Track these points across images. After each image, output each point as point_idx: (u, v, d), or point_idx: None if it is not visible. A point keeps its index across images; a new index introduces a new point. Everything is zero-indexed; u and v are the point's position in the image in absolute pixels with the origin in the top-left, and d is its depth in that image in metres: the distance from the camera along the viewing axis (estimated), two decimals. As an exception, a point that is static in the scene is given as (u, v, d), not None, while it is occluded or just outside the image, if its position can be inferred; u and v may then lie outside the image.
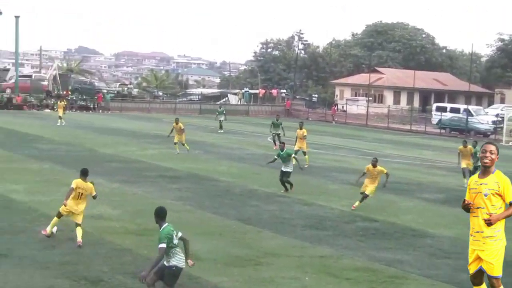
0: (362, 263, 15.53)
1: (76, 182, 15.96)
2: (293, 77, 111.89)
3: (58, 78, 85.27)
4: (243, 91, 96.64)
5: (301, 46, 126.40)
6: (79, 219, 15.94)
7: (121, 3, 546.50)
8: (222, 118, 54.63)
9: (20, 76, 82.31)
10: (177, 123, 36.36)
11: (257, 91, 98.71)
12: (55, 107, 71.68)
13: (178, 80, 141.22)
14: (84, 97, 79.12)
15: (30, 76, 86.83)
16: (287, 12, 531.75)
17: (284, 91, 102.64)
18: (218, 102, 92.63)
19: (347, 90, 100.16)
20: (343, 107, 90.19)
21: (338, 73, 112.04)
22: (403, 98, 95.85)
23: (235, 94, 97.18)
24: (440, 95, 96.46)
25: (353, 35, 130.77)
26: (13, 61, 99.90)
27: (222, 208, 21.41)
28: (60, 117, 52.58)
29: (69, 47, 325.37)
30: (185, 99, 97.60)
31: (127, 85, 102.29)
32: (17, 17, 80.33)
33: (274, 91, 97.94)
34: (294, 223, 19.67)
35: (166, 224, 11.33)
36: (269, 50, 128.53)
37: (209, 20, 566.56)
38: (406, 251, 16.92)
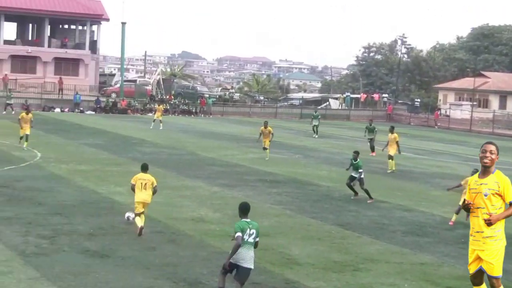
0: (464, 271, 15.16)
1: (135, 177, 17.39)
2: (396, 82, 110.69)
3: (161, 83, 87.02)
4: (345, 95, 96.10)
5: (404, 50, 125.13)
6: (145, 209, 17.26)
7: (223, 8, 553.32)
8: (316, 122, 53.90)
9: (125, 81, 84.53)
10: (265, 127, 35.79)
11: (358, 96, 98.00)
12: (157, 111, 73.21)
13: (279, 84, 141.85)
14: (187, 101, 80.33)
15: (134, 81, 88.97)
16: (390, 16, 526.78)
17: (386, 95, 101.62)
18: (319, 107, 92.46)
19: (451, 94, 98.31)
20: (446, 111, 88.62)
21: (442, 77, 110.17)
22: (510, 103, 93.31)
23: (336, 98, 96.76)
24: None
25: (458, 38, 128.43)
26: (119, 66, 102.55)
27: (321, 213, 21.37)
28: (154, 120, 53.48)
29: (173, 52, 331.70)
30: (286, 103, 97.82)
31: (229, 89, 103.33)
32: (123, 24, 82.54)
33: (375, 96, 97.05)
34: (394, 229, 19.45)
35: (247, 219, 11.72)
36: (371, 54, 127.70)
37: (312, 24, 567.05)
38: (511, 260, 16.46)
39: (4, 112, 59.75)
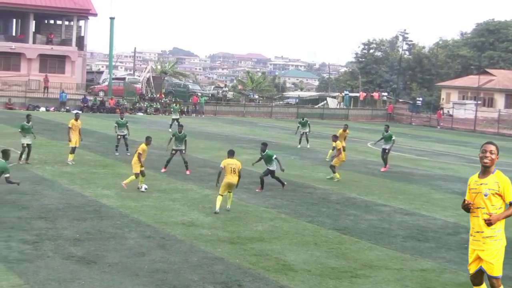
0: (466, 277, 15.19)
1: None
2: (396, 80, 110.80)
3: (151, 81, 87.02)
4: (343, 94, 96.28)
5: (405, 47, 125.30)
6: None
7: (217, 2, 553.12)
8: (306, 129, 45.21)
9: (114, 79, 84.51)
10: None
11: (357, 94, 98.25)
12: (148, 110, 73.57)
13: (275, 82, 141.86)
14: (178, 100, 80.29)
15: (123, 79, 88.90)
16: (391, 11, 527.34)
17: (386, 94, 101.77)
18: (317, 106, 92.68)
19: (454, 93, 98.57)
20: (449, 111, 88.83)
21: (445, 75, 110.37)
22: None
23: (334, 97, 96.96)
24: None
25: (462, 34, 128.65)
26: (107, 63, 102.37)
27: (318, 216, 21.37)
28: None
29: (164, 48, 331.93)
30: (281, 102, 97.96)
31: (222, 87, 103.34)
32: (112, 19, 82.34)
33: (375, 94, 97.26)
34: (394, 234, 19.46)
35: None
36: (371, 50, 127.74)
37: (309, 20, 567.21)
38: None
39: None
